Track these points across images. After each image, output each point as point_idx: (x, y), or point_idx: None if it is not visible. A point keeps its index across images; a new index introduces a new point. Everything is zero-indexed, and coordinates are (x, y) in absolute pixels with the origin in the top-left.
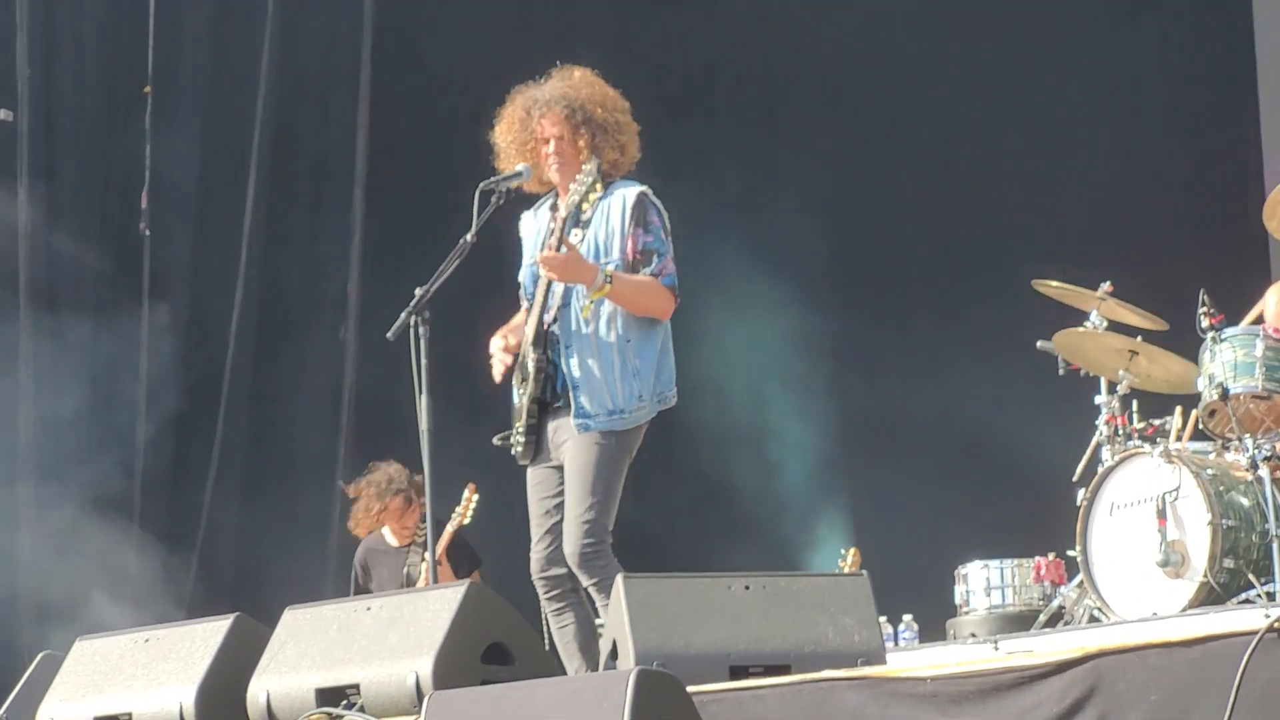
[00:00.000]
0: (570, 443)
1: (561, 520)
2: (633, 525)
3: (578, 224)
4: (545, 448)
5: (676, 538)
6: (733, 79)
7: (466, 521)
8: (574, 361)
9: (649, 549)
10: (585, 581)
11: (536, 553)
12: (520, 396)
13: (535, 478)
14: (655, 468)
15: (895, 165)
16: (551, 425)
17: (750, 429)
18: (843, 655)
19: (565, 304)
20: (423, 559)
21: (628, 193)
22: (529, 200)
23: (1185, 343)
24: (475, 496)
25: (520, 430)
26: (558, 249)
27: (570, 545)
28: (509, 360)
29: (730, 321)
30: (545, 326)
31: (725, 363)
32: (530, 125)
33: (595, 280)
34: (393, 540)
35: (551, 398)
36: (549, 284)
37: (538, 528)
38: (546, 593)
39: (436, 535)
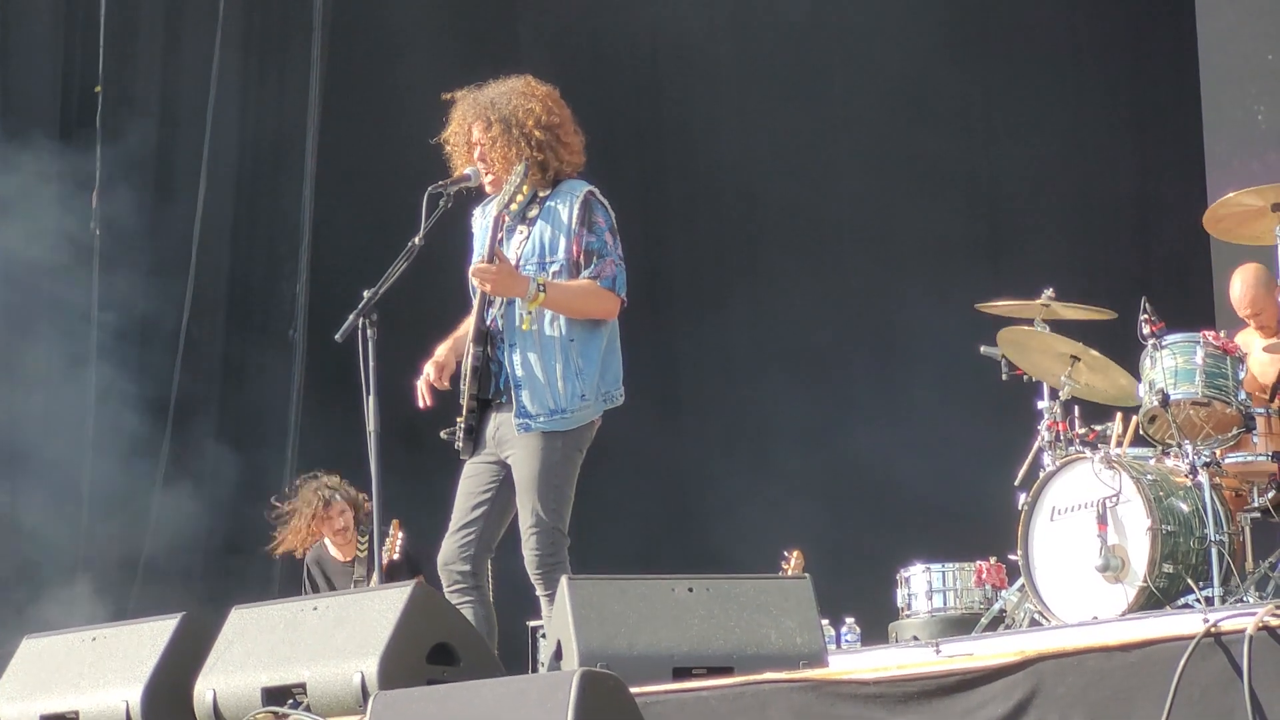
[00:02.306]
0: (514, 444)
1: (483, 516)
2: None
3: (523, 221)
4: (484, 442)
5: (618, 537)
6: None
7: (395, 557)
8: (516, 359)
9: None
10: (540, 592)
11: (449, 542)
12: (462, 393)
13: (469, 470)
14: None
15: (841, 168)
16: (493, 421)
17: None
18: (785, 657)
19: (509, 300)
20: (367, 575)
21: (574, 193)
22: (479, 202)
23: (1127, 349)
24: (401, 534)
25: (461, 426)
26: (490, 260)
27: (527, 555)
28: (429, 398)
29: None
30: (488, 323)
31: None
32: (465, 130)
33: (528, 291)
34: (336, 553)
35: (494, 394)
36: None
37: (458, 519)
38: (449, 585)
39: (378, 548)
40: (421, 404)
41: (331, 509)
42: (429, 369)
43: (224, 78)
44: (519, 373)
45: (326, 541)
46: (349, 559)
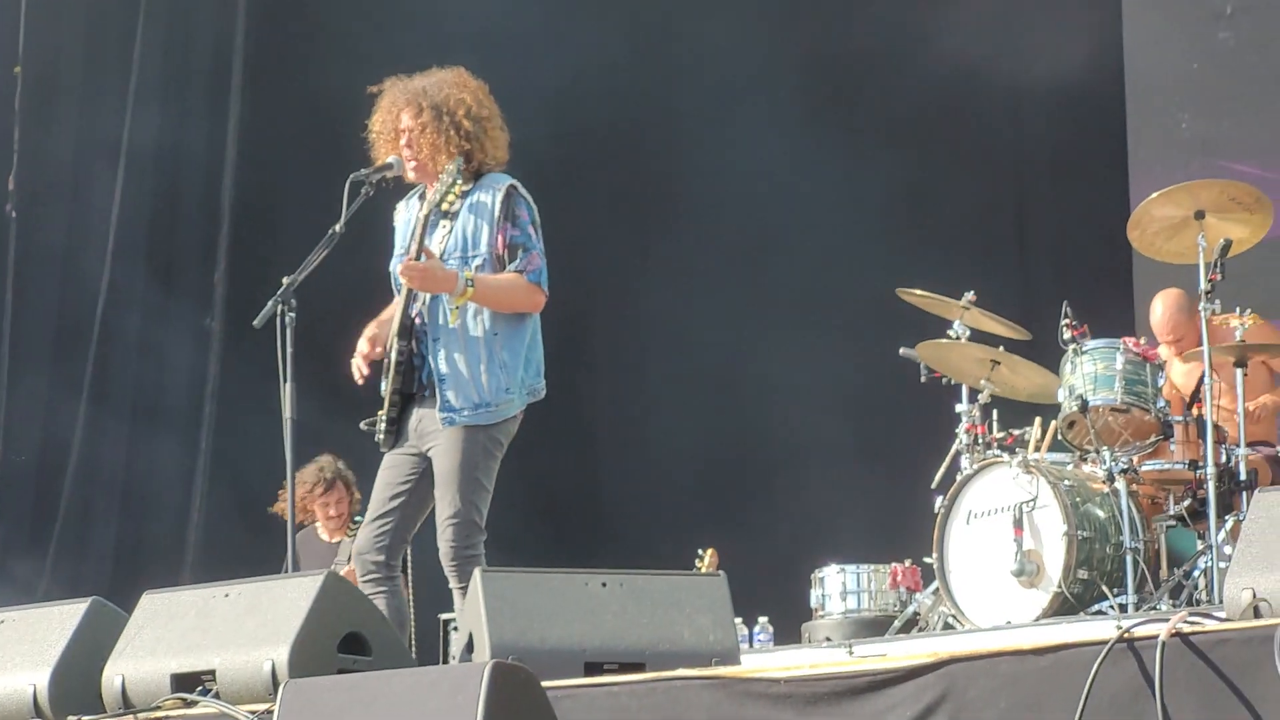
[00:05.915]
0: (437, 437)
1: (400, 507)
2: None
3: (445, 216)
4: (405, 434)
5: (532, 535)
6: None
7: None
8: (441, 355)
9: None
10: (453, 585)
11: (364, 532)
12: (385, 386)
13: (389, 462)
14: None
15: (761, 166)
16: (416, 414)
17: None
18: (697, 654)
19: (434, 296)
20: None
21: (496, 186)
22: (399, 190)
23: (1048, 354)
24: None
25: (383, 418)
26: (417, 257)
27: (442, 546)
28: (365, 369)
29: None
30: (412, 318)
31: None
32: (393, 118)
33: (456, 287)
34: (324, 535)
35: (417, 389)
36: None
37: (374, 509)
38: (363, 574)
39: (298, 528)
40: (358, 378)
41: (330, 494)
42: (361, 344)
43: (145, 64)
44: (443, 369)
45: (317, 526)
46: (335, 539)
